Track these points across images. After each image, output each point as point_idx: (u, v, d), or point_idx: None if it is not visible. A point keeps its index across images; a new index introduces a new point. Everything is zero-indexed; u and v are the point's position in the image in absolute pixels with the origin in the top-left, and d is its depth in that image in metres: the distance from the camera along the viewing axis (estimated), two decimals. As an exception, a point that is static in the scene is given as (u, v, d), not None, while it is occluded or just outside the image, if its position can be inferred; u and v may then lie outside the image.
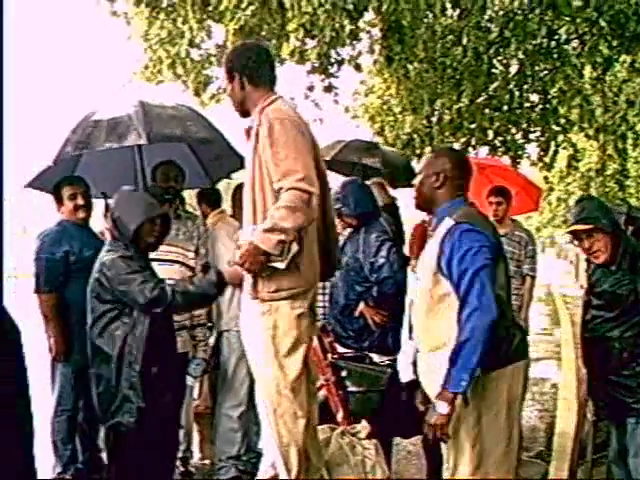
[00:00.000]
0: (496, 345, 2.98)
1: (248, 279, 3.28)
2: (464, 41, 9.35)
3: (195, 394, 5.28)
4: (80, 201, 4.75)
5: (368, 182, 5.46)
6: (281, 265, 3.14)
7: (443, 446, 3.18)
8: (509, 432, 3.15)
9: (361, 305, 4.77)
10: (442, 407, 2.93)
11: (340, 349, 4.64)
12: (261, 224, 3.16)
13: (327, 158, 7.08)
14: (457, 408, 2.98)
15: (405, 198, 6.85)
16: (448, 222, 3.10)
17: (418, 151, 10.13)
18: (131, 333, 3.48)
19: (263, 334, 3.26)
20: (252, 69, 3.43)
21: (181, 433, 4.70)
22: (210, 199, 5.40)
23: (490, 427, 3.09)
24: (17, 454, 1.68)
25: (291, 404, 3.25)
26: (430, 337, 3.15)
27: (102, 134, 4.59)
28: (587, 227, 3.78)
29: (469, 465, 3.08)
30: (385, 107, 10.67)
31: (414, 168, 7.24)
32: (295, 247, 3.13)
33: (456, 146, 10.61)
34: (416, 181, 3.32)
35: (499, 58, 10.20)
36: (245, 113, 3.49)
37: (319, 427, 3.60)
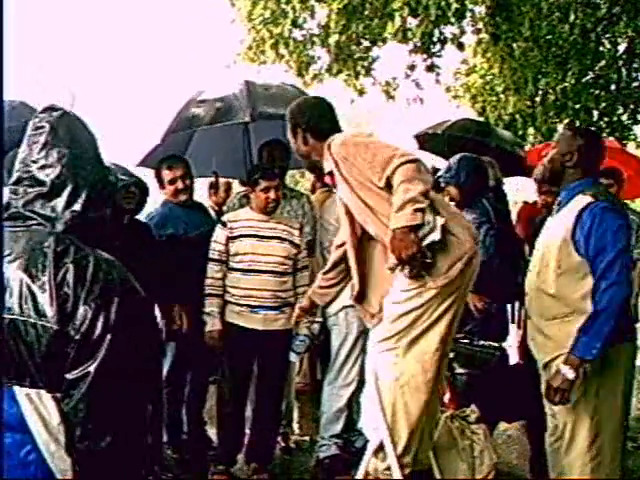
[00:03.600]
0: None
1: (405, 275, 3.18)
2: (571, 18, 9.09)
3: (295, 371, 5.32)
4: (180, 185, 4.74)
5: (485, 159, 5.33)
6: (436, 236, 3.04)
7: (554, 419, 3.28)
8: (623, 409, 3.29)
9: (461, 290, 4.69)
10: (569, 372, 3.04)
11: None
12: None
13: (438, 131, 7.02)
14: (578, 380, 3.07)
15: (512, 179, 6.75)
16: (583, 199, 3.15)
17: (520, 132, 9.89)
18: None
19: (412, 313, 3.19)
20: (314, 124, 3.51)
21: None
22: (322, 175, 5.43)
23: (607, 400, 3.19)
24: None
25: (416, 376, 3.20)
26: (554, 305, 3.22)
27: (208, 113, 4.67)
28: None
29: (587, 437, 3.17)
30: (487, 87, 10.46)
31: (524, 156, 7.08)
32: (441, 219, 3.07)
33: (559, 127, 10.31)
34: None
35: (607, 35, 9.87)
36: (313, 167, 3.66)
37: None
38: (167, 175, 4.73)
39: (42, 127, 1.85)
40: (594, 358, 3.04)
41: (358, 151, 3.22)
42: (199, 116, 4.75)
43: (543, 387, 3.27)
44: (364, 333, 4.63)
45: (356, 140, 3.29)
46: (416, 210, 2.99)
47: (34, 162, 1.82)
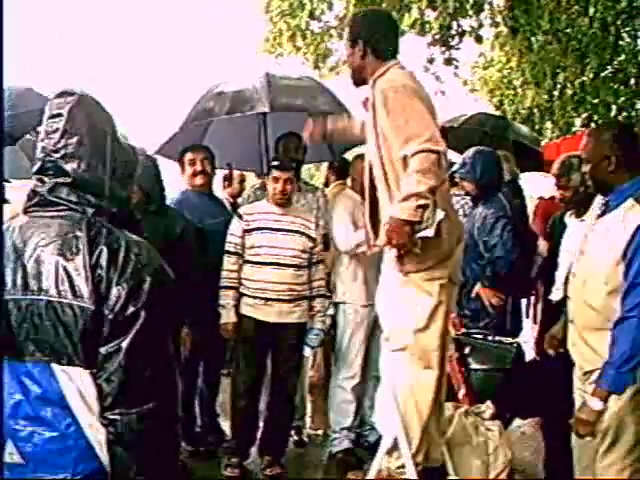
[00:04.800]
0: None
1: (392, 254, 3.23)
2: (591, 11, 9.00)
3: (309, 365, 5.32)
4: (198, 167, 4.75)
5: (500, 153, 5.29)
6: (430, 232, 3.06)
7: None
8: None
9: (477, 286, 4.67)
10: (595, 403, 2.90)
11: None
12: (396, 196, 3.11)
13: (455, 125, 6.99)
14: (621, 403, 2.94)
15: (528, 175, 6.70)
16: (635, 209, 2.91)
17: (538, 126, 9.84)
18: None
19: (404, 305, 3.23)
20: (377, 39, 3.38)
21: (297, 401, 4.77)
22: (338, 169, 5.42)
23: None
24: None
25: (424, 374, 3.22)
26: (598, 319, 3.02)
27: (226, 103, 4.66)
28: None
29: (628, 443, 3.01)
30: (505, 80, 10.41)
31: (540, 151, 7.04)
32: (441, 213, 3.07)
33: (577, 122, 10.25)
34: (586, 168, 3.14)
35: (627, 29, 9.77)
36: (359, 82, 3.46)
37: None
38: (188, 156, 4.75)
39: (59, 115, 1.87)
40: (622, 391, 2.89)
41: (395, 110, 3.13)
42: (217, 107, 4.75)
43: (575, 393, 3.19)
44: (365, 327, 4.65)
45: (399, 96, 3.16)
46: (419, 206, 2.99)
47: (55, 151, 1.85)
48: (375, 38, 3.38)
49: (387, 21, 3.53)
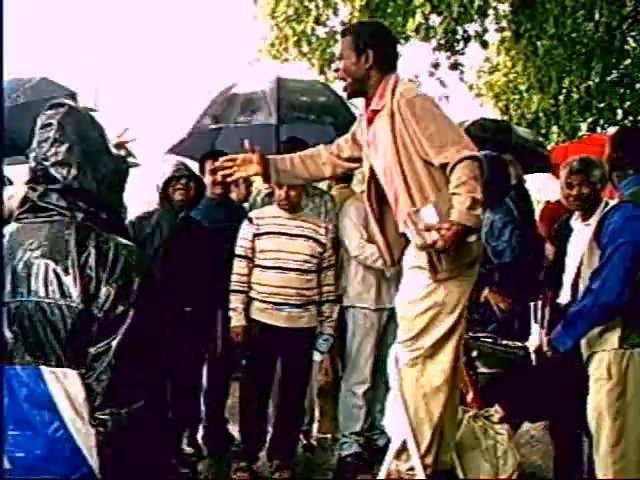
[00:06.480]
0: None
1: (421, 257, 3.21)
2: (596, 16, 9.00)
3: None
4: (219, 177, 4.79)
5: (506, 157, 5.29)
6: (473, 237, 3.05)
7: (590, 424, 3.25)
8: None
9: (485, 291, 4.67)
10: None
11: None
12: (457, 202, 3.00)
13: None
14: (601, 382, 3.13)
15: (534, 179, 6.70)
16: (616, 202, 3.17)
17: (544, 131, 9.84)
18: None
19: (431, 311, 3.22)
20: (386, 50, 3.40)
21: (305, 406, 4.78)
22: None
23: (633, 406, 3.13)
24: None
25: (437, 377, 3.22)
26: None
27: (237, 109, 4.69)
28: None
29: (610, 437, 3.13)
30: (510, 85, 10.42)
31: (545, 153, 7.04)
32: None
33: (583, 126, 10.25)
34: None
35: (633, 33, 9.77)
36: (357, 93, 3.43)
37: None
38: (210, 164, 4.77)
39: (50, 124, 1.92)
40: (564, 351, 3.23)
41: (424, 117, 3.13)
42: (229, 111, 4.78)
43: (591, 382, 3.28)
44: (375, 331, 4.66)
45: (427, 105, 3.19)
46: (480, 215, 3.00)
47: (45, 159, 1.90)
48: (384, 49, 3.39)
49: (391, 34, 3.58)
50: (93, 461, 1.75)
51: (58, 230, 1.83)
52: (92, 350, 1.74)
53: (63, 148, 1.88)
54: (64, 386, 1.73)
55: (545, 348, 3.55)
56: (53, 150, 1.88)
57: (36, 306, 1.75)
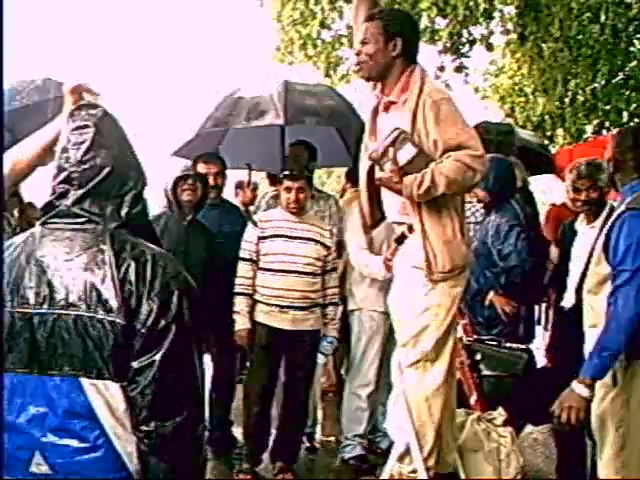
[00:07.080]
0: None
1: (418, 257, 3.24)
2: (602, 18, 9.00)
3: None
4: (211, 181, 4.80)
5: (510, 159, 5.28)
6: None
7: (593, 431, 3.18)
8: None
9: (491, 294, 4.67)
10: (581, 389, 2.91)
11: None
12: (426, 173, 3.13)
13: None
14: (606, 389, 3.00)
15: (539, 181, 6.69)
16: (620, 207, 3.05)
17: (549, 133, 9.83)
18: None
19: (427, 313, 3.25)
20: (414, 40, 3.41)
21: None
22: (354, 177, 5.45)
23: (638, 415, 3.04)
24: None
25: (437, 379, 3.24)
26: (590, 313, 3.16)
27: (243, 112, 4.71)
28: None
29: (613, 445, 3.06)
30: (516, 88, 10.41)
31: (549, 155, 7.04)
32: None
33: (589, 129, 10.23)
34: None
35: (638, 36, 9.75)
36: (377, 78, 3.38)
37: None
38: (202, 169, 4.78)
39: (85, 127, 1.87)
40: (599, 377, 2.96)
41: (445, 121, 3.16)
42: (235, 114, 4.80)
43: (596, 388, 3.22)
44: (381, 334, 4.66)
45: (451, 109, 3.21)
46: (429, 188, 3.12)
47: (81, 162, 1.84)
48: (412, 39, 3.39)
49: (417, 25, 3.63)
50: (132, 467, 1.76)
51: (92, 240, 1.80)
52: (135, 364, 1.73)
53: (102, 152, 1.84)
54: (105, 398, 1.73)
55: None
56: (92, 153, 1.83)
57: (76, 320, 1.73)
